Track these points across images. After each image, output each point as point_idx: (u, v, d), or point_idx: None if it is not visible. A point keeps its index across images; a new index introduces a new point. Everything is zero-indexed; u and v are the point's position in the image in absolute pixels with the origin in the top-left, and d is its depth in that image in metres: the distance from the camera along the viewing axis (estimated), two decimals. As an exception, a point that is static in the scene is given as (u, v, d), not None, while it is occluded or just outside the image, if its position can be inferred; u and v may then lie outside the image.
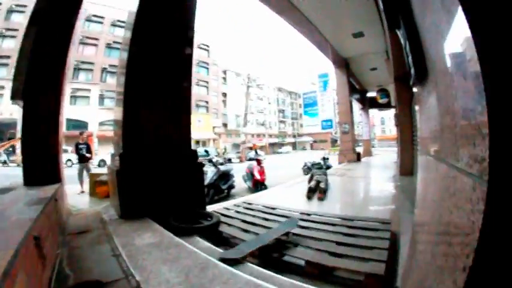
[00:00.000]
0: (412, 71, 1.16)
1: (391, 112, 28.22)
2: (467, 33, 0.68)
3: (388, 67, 10.23)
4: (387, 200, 5.48)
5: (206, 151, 13.90)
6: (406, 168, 7.59)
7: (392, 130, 56.76)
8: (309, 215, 4.27)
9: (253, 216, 4.34)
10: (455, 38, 0.78)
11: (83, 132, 9.17)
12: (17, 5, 25.74)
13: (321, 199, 5.77)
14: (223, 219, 4.13)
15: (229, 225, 3.93)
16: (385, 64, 12.16)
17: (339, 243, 3.04)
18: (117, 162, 3.91)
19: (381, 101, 17.53)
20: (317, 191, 6.05)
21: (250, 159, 13.29)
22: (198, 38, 39.05)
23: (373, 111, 32.39)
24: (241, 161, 28.32)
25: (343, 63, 14.51)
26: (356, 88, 18.41)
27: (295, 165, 17.28)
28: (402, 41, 1.41)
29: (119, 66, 4.76)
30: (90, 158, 8.58)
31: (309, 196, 5.99)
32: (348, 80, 14.91)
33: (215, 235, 3.56)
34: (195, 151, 4.48)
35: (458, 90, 0.84)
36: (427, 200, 1.36)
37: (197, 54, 40.27)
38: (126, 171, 3.75)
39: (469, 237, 0.67)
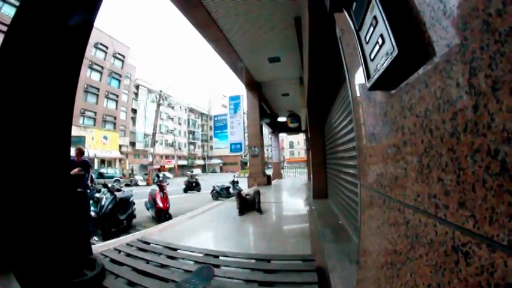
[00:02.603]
0: (381, 65, 0.83)
1: (300, 136, 30.14)
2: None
3: (301, 91, 10.54)
4: (305, 229, 5.11)
5: (100, 173, 12.28)
6: (320, 191, 7.54)
7: (300, 153, 60.70)
8: (216, 257, 3.61)
9: (149, 261, 3.51)
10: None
11: None
12: None
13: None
14: (110, 266, 3.27)
15: (117, 276, 3.07)
16: (298, 90, 12.57)
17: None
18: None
19: (291, 125, 18.27)
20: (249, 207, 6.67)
21: (157, 181, 12.21)
22: (114, 47, 36.53)
23: (282, 135, 33.93)
24: (148, 184, 26.51)
25: (255, 87, 14.58)
26: (267, 112, 18.78)
27: (204, 188, 16.76)
28: (352, 20, 1.07)
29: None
30: None
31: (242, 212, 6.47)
32: (259, 103, 15.01)
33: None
34: (75, 177, 3.51)
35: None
36: (372, 234, 1.28)
37: (111, 64, 37.62)
38: None
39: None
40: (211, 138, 66.87)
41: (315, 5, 3.63)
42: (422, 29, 0.63)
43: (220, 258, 3.57)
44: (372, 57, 0.88)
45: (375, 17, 0.79)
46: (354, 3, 0.99)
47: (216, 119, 51.98)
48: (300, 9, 6.31)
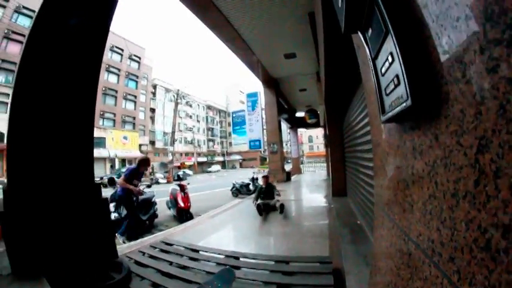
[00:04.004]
0: (403, 93, 0.76)
1: (319, 130, 29.91)
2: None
3: (319, 88, 10.43)
4: (323, 229, 5.12)
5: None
6: (339, 188, 7.46)
7: (320, 147, 60.02)
8: (237, 258, 3.67)
9: (172, 263, 3.61)
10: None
11: None
12: None
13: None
14: (135, 268, 3.38)
15: (143, 278, 3.18)
16: (315, 85, 12.44)
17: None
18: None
19: (309, 121, 18.12)
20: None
21: (178, 178, 12.38)
22: (129, 49, 37.15)
23: (301, 130, 33.64)
24: (168, 182, 26.85)
25: (272, 83, 14.55)
26: (285, 108, 18.70)
27: (224, 185, 16.84)
28: (368, 46, 1.04)
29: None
30: None
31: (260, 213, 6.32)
32: (277, 99, 14.94)
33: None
34: (99, 185, 3.62)
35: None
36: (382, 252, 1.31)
37: (127, 66, 38.29)
38: (12, 215, 2.78)
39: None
40: (230, 134, 66.96)
41: (329, 26, 3.67)
42: (440, 82, 0.62)
43: (241, 259, 3.64)
44: (387, 92, 0.87)
45: (391, 54, 0.77)
46: (370, 30, 0.96)
47: (234, 115, 52.07)
48: (313, 4, 6.23)
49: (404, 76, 0.70)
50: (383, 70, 0.88)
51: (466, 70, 0.51)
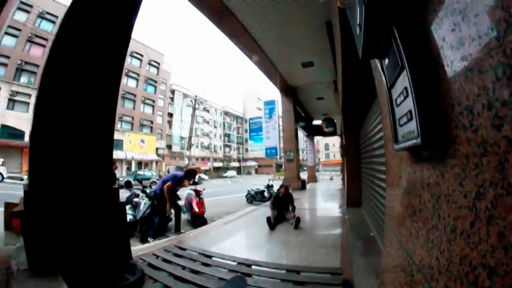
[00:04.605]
0: (415, 128, 0.78)
1: (336, 138, 29.72)
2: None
3: (336, 98, 10.38)
4: (336, 239, 5.10)
5: (138, 179, 12.69)
6: (353, 199, 7.38)
7: (336, 155, 59.40)
8: (249, 266, 3.71)
9: (185, 267, 3.66)
10: None
11: None
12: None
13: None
14: (149, 271, 3.45)
15: (155, 280, 3.25)
16: (332, 94, 12.39)
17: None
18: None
19: (326, 129, 18.02)
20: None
21: (194, 183, 12.42)
22: (148, 55, 37.98)
23: (318, 137, 33.42)
24: (184, 186, 26.99)
25: (290, 92, 14.55)
26: (302, 116, 18.66)
27: (239, 191, 16.85)
28: (384, 75, 1.06)
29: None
30: None
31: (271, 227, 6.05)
32: (294, 107, 14.93)
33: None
34: (117, 189, 3.72)
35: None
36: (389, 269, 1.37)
37: (146, 71, 39.08)
38: (32, 213, 2.88)
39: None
40: (246, 140, 67.15)
41: (348, 53, 3.74)
42: (450, 125, 0.65)
43: (253, 267, 3.67)
44: (401, 123, 0.89)
45: (406, 89, 0.79)
46: (387, 59, 0.98)
47: (251, 121, 52.33)
48: (330, 13, 6.26)
49: (417, 114, 0.72)
50: (398, 101, 0.90)
51: (474, 121, 0.54)
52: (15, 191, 6.28)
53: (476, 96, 0.53)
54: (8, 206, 6.05)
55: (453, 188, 0.63)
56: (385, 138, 1.55)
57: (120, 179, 21.11)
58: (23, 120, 25.12)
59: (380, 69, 1.08)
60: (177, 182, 6.06)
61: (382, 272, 1.57)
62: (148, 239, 5.80)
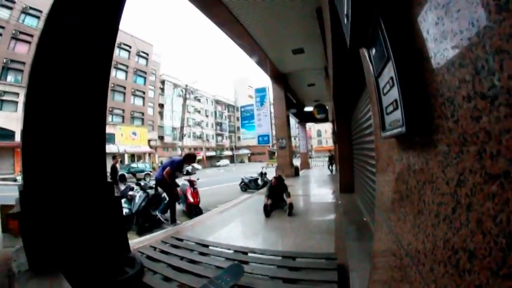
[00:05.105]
0: (399, 115, 0.80)
1: (328, 124, 29.85)
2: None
3: (327, 84, 10.39)
4: (330, 225, 5.17)
5: (131, 172, 12.68)
6: (346, 185, 7.53)
7: (329, 141, 59.63)
8: (245, 253, 3.77)
9: (183, 258, 3.71)
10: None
11: None
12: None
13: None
14: (147, 263, 3.48)
15: (155, 272, 3.28)
16: (323, 80, 12.39)
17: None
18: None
19: (318, 116, 18.07)
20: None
21: (187, 173, 12.51)
22: (137, 45, 37.34)
23: (310, 124, 33.50)
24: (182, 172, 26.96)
25: (281, 78, 14.54)
26: (293, 103, 18.66)
27: (233, 180, 16.91)
28: (371, 64, 1.07)
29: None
30: None
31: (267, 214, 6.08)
32: (285, 94, 14.95)
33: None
34: (112, 184, 3.72)
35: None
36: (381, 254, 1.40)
37: (135, 63, 38.55)
38: (29, 214, 2.87)
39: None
40: (238, 129, 67.15)
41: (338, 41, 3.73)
42: (433, 115, 0.67)
43: (249, 254, 3.73)
44: (388, 112, 0.91)
45: (392, 79, 0.80)
46: (374, 49, 0.99)
47: (242, 109, 52.14)
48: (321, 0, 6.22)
49: (402, 104, 0.75)
50: (384, 90, 0.92)
51: (455, 112, 0.56)
52: (10, 193, 6.21)
53: (457, 88, 0.55)
54: (3, 208, 6.01)
55: (436, 175, 0.66)
56: (375, 126, 1.57)
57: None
58: (12, 120, 24.73)
59: (368, 58, 1.10)
60: (176, 167, 6.04)
61: (373, 256, 1.63)
62: (158, 214, 6.07)
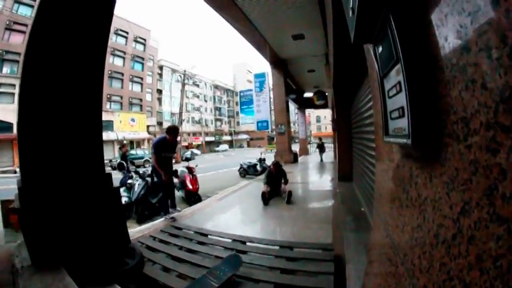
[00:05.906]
0: (406, 124, 0.73)
1: (327, 110, 29.79)
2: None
3: (327, 71, 10.26)
4: (328, 214, 5.18)
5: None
6: (345, 173, 7.49)
7: (328, 127, 59.54)
8: (243, 243, 3.78)
9: (182, 247, 3.72)
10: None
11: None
12: None
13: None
14: (147, 253, 3.50)
15: (155, 263, 3.30)
16: (323, 67, 12.25)
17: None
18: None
19: (317, 102, 17.98)
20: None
21: (186, 159, 12.51)
22: (134, 31, 36.80)
23: (309, 110, 33.38)
24: (176, 162, 27.05)
25: (280, 64, 14.40)
26: (293, 88, 18.53)
27: (232, 165, 16.92)
28: (377, 62, 1.00)
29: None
30: None
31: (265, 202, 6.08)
32: (284, 80, 14.85)
33: (138, 281, 2.97)
34: (110, 175, 3.68)
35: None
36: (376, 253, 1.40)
37: (132, 49, 38.02)
38: (29, 209, 2.84)
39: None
40: (237, 113, 66.81)
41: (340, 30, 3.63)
42: (443, 132, 0.61)
43: (247, 244, 3.74)
44: (392, 117, 0.85)
45: (399, 83, 0.74)
46: (381, 47, 0.91)
47: (241, 94, 51.76)
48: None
49: (409, 113, 0.69)
50: (390, 94, 0.86)
51: (469, 136, 0.50)
52: (11, 186, 6.20)
53: (475, 111, 0.48)
54: (3, 203, 6.01)
55: (440, 195, 0.62)
56: (376, 124, 1.53)
57: (113, 160, 20.94)
58: (9, 111, 24.48)
59: (373, 55, 1.04)
60: (160, 148, 5.40)
61: (370, 252, 1.61)
62: (170, 211, 5.57)
